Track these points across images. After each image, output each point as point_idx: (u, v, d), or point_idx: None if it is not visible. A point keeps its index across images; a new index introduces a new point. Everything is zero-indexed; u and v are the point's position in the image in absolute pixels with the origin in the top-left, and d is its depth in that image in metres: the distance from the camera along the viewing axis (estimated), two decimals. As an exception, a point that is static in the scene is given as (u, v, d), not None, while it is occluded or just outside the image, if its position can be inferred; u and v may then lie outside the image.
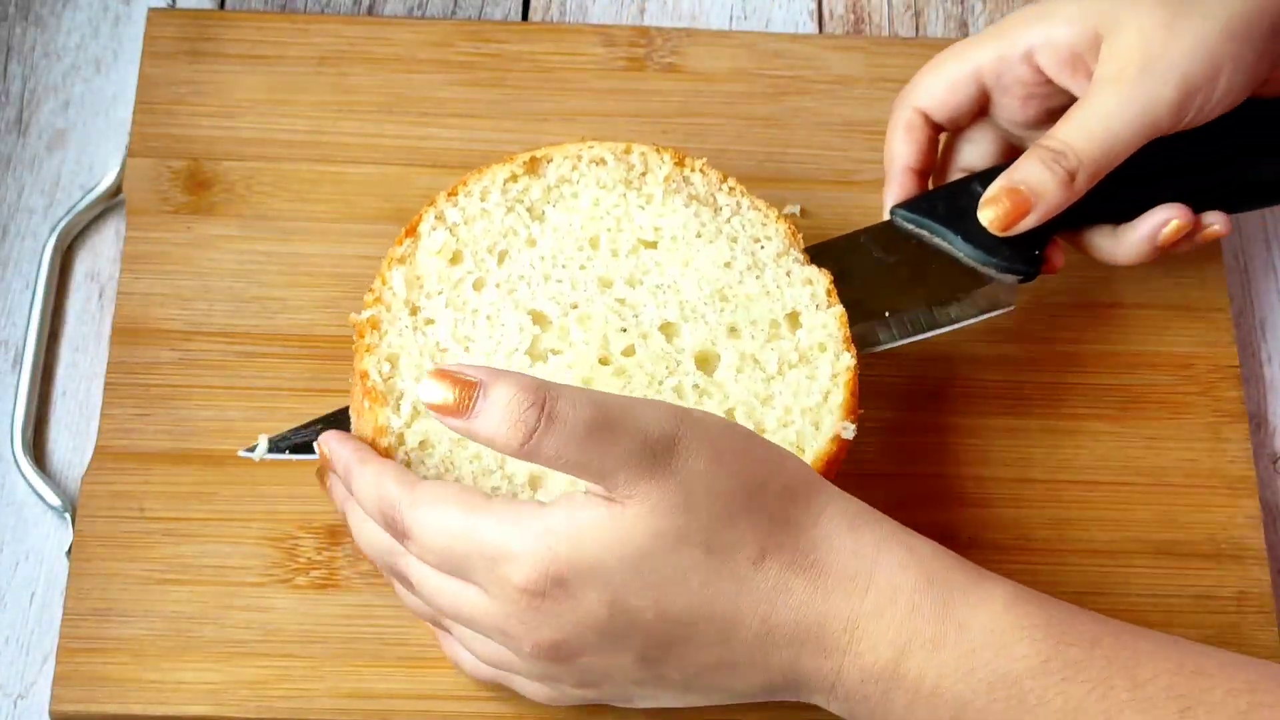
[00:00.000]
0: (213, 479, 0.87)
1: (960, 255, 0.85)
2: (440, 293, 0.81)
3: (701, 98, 0.98)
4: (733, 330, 0.81)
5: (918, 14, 1.04)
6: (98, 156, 0.97)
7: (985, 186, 0.85)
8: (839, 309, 0.82)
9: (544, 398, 0.68)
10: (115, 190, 0.95)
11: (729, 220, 0.84)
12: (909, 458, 0.88)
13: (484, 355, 0.79)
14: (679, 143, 0.86)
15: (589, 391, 0.70)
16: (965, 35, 1.03)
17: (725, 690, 0.74)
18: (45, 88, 0.99)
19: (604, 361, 0.80)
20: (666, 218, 0.83)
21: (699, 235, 0.83)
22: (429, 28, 1.00)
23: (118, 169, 0.95)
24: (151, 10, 0.99)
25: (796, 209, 0.94)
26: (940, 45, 1.00)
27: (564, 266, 0.82)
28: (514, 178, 0.84)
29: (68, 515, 0.87)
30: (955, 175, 0.89)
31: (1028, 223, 0.83)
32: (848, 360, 0.80)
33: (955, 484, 0.89)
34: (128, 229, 0.93)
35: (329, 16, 1.01)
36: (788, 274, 0.83)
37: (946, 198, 0.87)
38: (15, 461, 0.89)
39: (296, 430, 0.82)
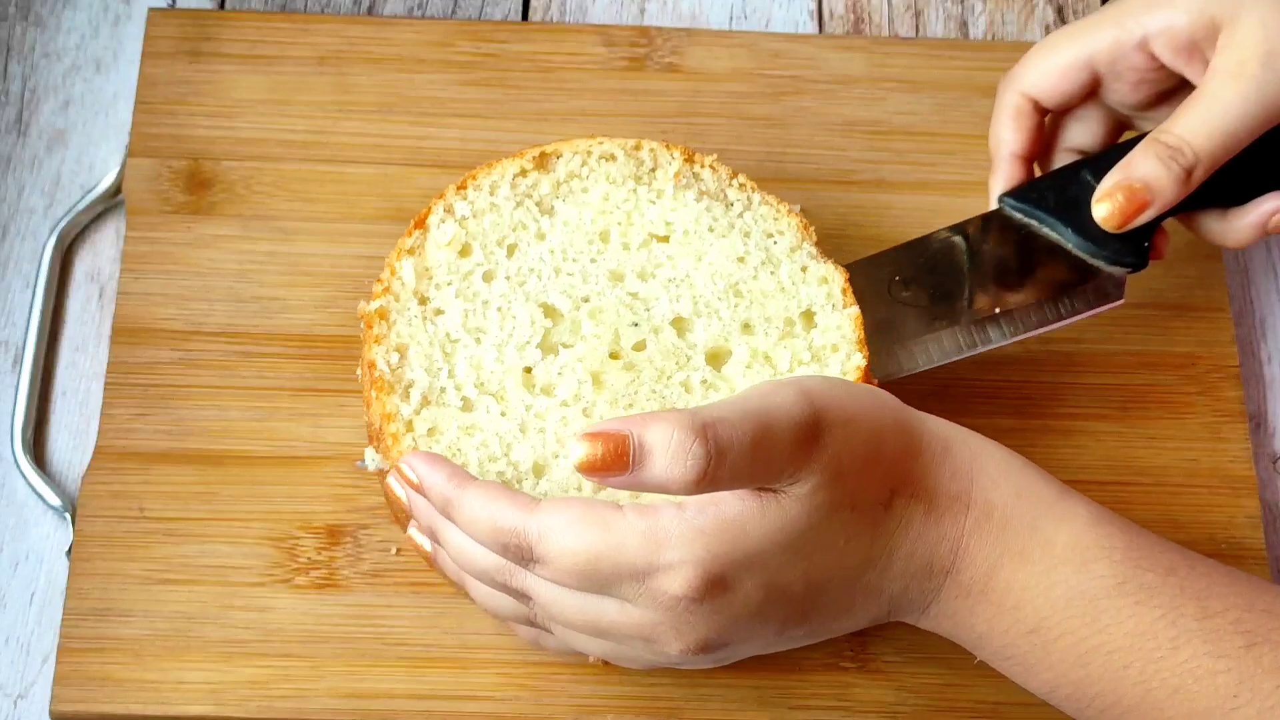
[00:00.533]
0: (213, 479, 0.87)
1: (1070, 246, 0.84)
2: (450, 284, 0.81)
3: (701, 98, 0.98)
4: (747, 327, 0.81)
5: (918, 14, 1.04)
6: (98, 156, 0.97)
7: (1095, 174, 0.84)
8: (854, 310, 0.82)
9: (703, 429, 0.67)
10: (115, 190, 0.95)
11: (741, 215, 0.84)
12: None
13: (495, 347, 0.79)
14: (679, 143, 0.86)
15: (734, 404, 0.69)
16: (965, 35, 1.03)
17: (831, 632, 0.76)
18: (45, 88, 0.99)
19: (614, 356, 0.80)
20: (678, 212, 0.83)
21: (711, 230, 0.83)
22: (429, 28, 1.00)
23: (118, 169, 0.95)
24: (151, 10, 0.99)
25: (797, 209, 0.94)
26: (940, 45, 1.01)
27: (574, 260, 0.82)
28: (523, 172, 0.84)
29: (68, 515, 0.87)
30: (1062, 156, 0.89)
31: (1143, 219, 0.83)
32: (859, 361, 0.80)
33: (955, 484, 0.89)
34: (128, 229, 0.93)
35: (329, 16, 1.01)
36: (803, 270, 0.83)
37: (1056, 187, 0.86)
38: (15, 461, 0.89)
39: None
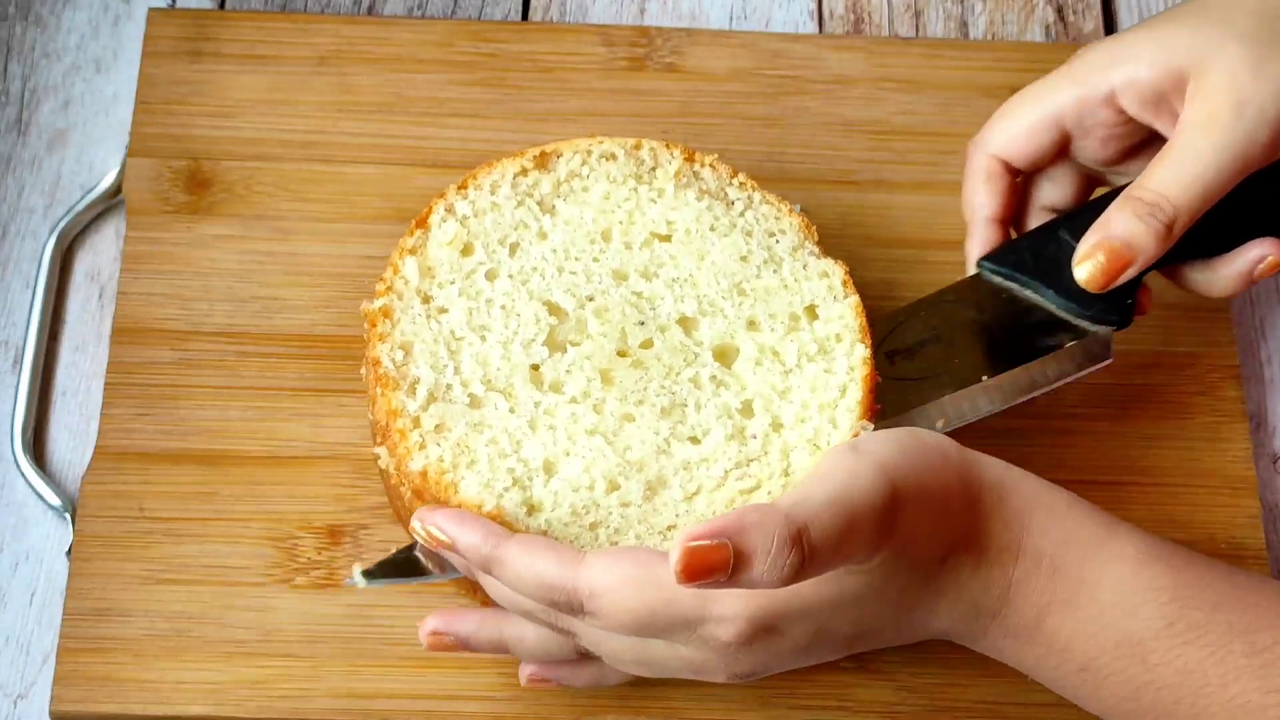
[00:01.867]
0: (213, 479, 0.87)
1: (1053, 308, 0.83)
2: (453, 282, 0.81)
3: (702, 98, 0.98)
4: (751, 324, 0.81)
5: (918, 14, 1.04)
6: (98, 156, 0.97)
7: (1072, 233, 0.83)
8: (855, 299, 0.82)
9: (798, 536, 0.68)
10: (115, 190, 0.95)
11: (742, 214, 0.84)
12: (909, 458, 0.88)
13: (500, 344, 0.79)
14: (679, 143, 0.86)
15: (821, 497, 0.69)
16: (965, 35, 1.03)
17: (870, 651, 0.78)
18: (45, 88, 0.99)
19: (622, 354, 0.80)
20: (679, 211, 0.83)
21: (712, 229, 0.83)
22: (429, 28, 1.00)
23: (118, 169, 0.95)
24: (151, 10, 0.99)
25: (797, 209, 0.94)
26: (940, 45, 1.01)
27: (577, 259, 0.82)
28: (524, 172, 0.84)
29: (68, 515, 0.87)
30: (1037, 215, 0.88)
31: (1126, 277, 0.82)
32: (862, 352, 0.80)
33: (955, 484, 0.89)
34: (128, 229, 0.93)
35: (329, 16, 1.01)
36: (804, 267, 0.83)
37: (1034, 249, 0.85)
38: (15, 461, 0.89)
39: (400, 554, 0.78)
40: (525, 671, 0.79)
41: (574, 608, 0.72)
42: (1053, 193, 0.88)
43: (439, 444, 0.77)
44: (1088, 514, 0.75)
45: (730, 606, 0.71)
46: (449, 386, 0.78)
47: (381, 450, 0.79)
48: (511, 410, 0.78)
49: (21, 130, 0.98)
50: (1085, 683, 0.74)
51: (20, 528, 0.88)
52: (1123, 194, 0.82)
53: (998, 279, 0.85)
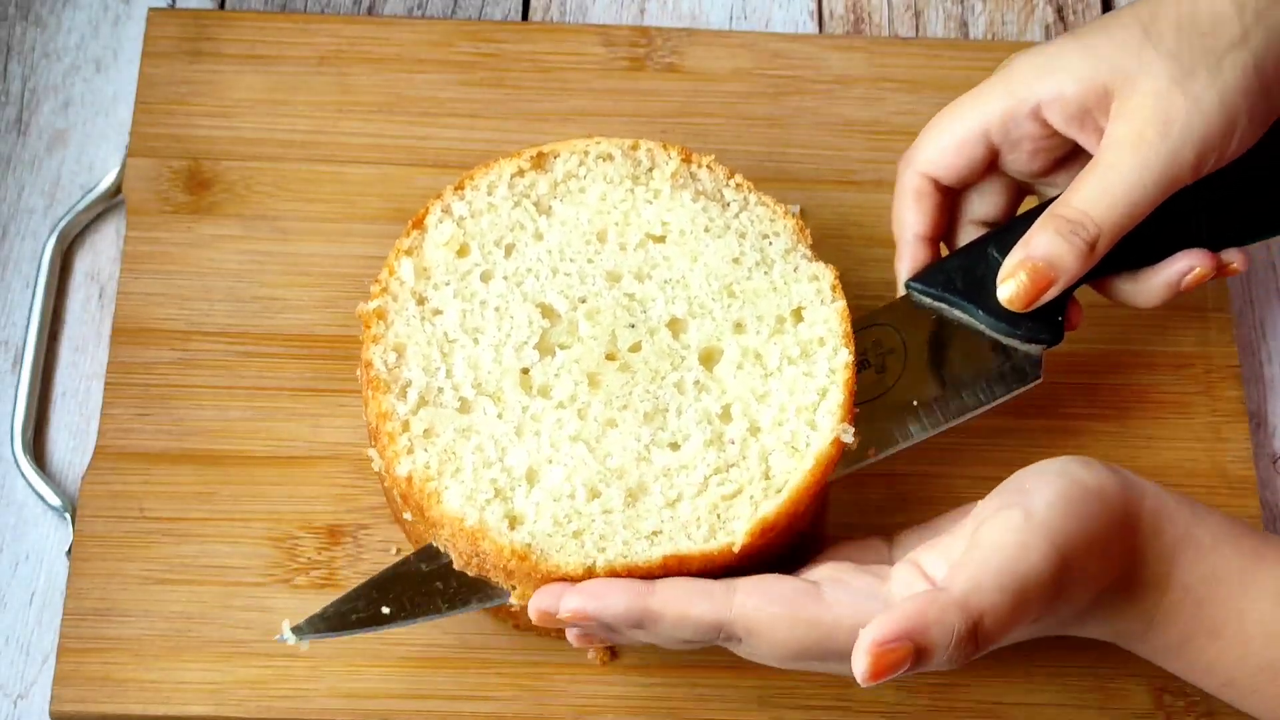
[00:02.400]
0: (213, 479, 0.87)
1: (983, 328, 0.83)
2: (448, 283, 0.81)
3: (701, 98, 0.98)
4: (738, 326, 0.81)
5: (918, 14, 1.04)
6: (98, 156, 0.97)
7: (1000, 250, 0.83)
8: (841, 304, 0.81)
9: (973, 625, 0.70)
10: (115, 190, 0.95)
11: (737, 215, 0.84)
12: (909, 458, 0.88)
13: (493, 347, 0.79)
14: (679, 143, 0.86)
15: (994, 574, 0.71)
16: (965, 35, 1.03)
17: None
18: (45, 88, 0.99)
19: (610, 357, 0.80)
20: (674, 212, 0.83)
21: (707, 230, 0.83)
22: (429, 28, 1.00)
23: (118, 169, 0.95)
24: (151, 10, 0.99)
25: (796, 209, 0.94)
26: (940, 45, 1.01)
27: (572, 260, 0.82)
28: (520, 173, 0.84)
29: (68, 515, 0.87)
30: (967, 230, 0.87)
31: (1049, 296, 0.82)
32: (845, 357, 0.80)
33: (955, 484, 0.89)
34: (128, 229, 0.93)
35: (329, 16, 1.01)
36: (795, 270, 0.83)
37: (963, 268, 0.84)
38: (15, 461, 0.89)
39: (330, 607, 0.77)
40: (574, 634, 0.78)
41: (731, 640, 0.74)
42: (983, 206, 0.87)
43: (426, 450, 0.77)
44: (1234, 545, 0.75)
45: None
46: (440, 390, 0.78)
47: (374, 452, 0.79)
48: (499, 415, 0.78)
49: (21, 130, 0.98)
50: (1228, 696, 0.77)
51: (20, 528, 0.88)
52: (1046, 212, 0.81)
53: (927, 300, 0.84)
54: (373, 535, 0.86)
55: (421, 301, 0.81)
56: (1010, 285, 0.82)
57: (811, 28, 1.03)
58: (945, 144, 0.84)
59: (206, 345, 0.90)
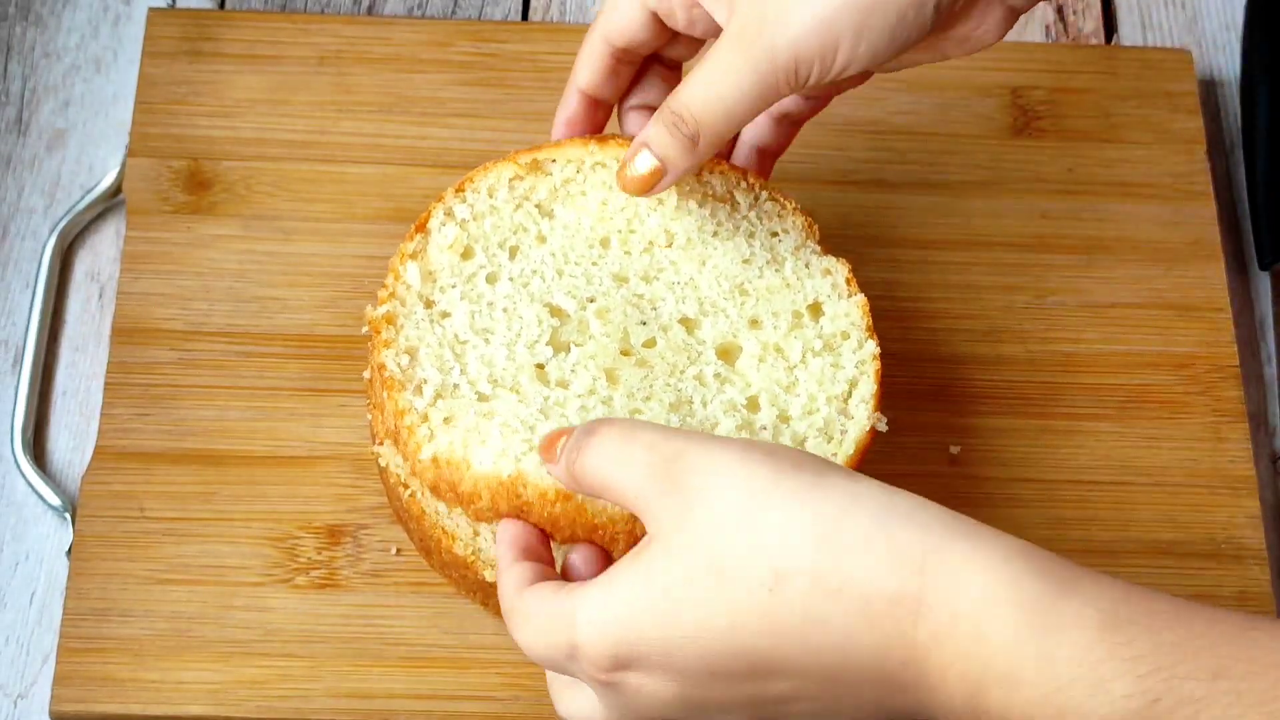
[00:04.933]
0: (213, 479, 0.87)
1: None
2: (454, 286, 0.81)
3: (701, 98, 0.98)
4: (754, 322, 0.81)
5: (918, 14, 1.03)
6: (98, 156, 0.97)
7: None
8: (860, 297, 0.81)
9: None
10: (115, 190, 0.95)
11: (745, 215, 0.84)
12: (909, 458, 0.88)
13: (504, 346, 0.79)
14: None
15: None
16: (965, 35, 1.03)
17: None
18: (45, 88, 0.99)
19: (625, 353, 0.80)
20: (680, 221, 0.83)
21: (715, 234, 0.83)
22: (429, 28, 1.00)
23: (118, 169, 0.95)
24: (151, 10, 0.99)
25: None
26: (940, 45, 1.00)
27: (577, 264, 0.82)
28: (519, 176, 0.83)
29: (68, 515, 0.87)
30: (631, 116, 0.84)
31: (662, 187, 0.78)
32: (872, 348, 0.80)
33: (954, 484, 0.89)
34: (128, 229, 0.93)
35: (329, 16, 1.01)
36: (806, 265, 0.82)
37: None
38: (15, 461, 0.89)
39: None
40: None
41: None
42: (655, 92, 0.83)
43: (448, 434, 0.76)
44: (1029, 565, 0.60)
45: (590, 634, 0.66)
46: (456, 386, 0.78)
47: (382, 449, 0.79)
48: (520, 403, 0.77)
49: (21, 130, 0.98)
50: None
51: (20, 528, 0.88)
52: (664, 103, 0.78)
53: None
54: (373, 535, 0.86)
55: (429, 305, 0.80)
56: (625, 174, 0.78)
57: (811, 28, 1.03)
58: (620, 5, 0.80)
59: (206, 345, 0.90)
